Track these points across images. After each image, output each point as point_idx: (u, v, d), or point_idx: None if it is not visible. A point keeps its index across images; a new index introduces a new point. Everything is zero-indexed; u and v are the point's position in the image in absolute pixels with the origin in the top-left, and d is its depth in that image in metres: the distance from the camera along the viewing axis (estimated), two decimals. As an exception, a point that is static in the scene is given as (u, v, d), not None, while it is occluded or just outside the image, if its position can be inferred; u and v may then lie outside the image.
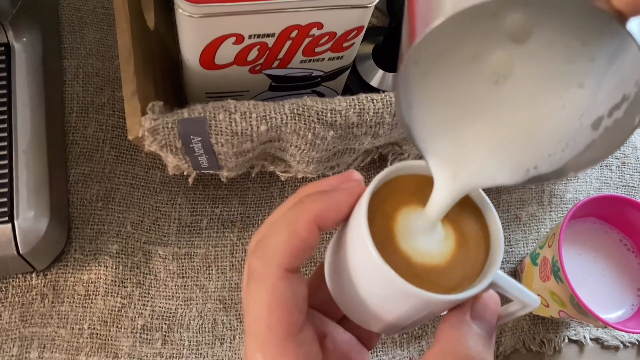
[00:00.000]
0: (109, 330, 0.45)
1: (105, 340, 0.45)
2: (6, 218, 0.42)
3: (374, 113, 0.40)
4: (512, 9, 0.18)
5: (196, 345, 0.46)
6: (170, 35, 0.51)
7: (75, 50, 0.52)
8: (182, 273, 0.48)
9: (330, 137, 0.40)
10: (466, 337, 0.23)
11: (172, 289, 0.47)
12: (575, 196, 0.56)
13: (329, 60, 0.43)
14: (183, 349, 0.46)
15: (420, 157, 0.23)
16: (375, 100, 0.40)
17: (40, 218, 0.43)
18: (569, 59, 0.19)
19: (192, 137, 0.37)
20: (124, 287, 0.46)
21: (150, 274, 0.47)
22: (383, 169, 0.24)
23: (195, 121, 0.37)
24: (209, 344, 0.46)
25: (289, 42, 0.39)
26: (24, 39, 0.47)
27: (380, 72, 0.53)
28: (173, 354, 0.45)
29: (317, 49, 0.41)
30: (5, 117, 0.44)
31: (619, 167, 0.59)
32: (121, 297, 0.46)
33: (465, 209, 0.25)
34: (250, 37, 0.38)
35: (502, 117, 0.21)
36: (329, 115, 0.39)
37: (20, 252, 0.42)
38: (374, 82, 0.52)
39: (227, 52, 0.39)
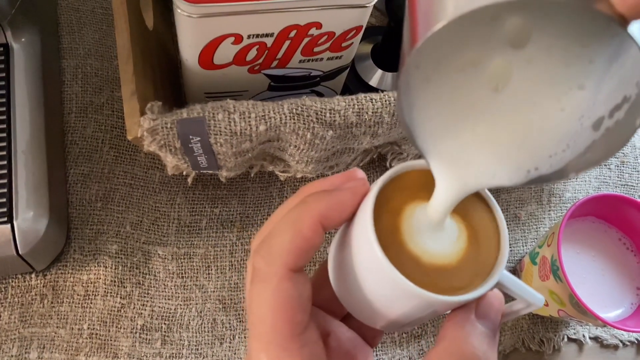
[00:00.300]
0: (109, 331, 0.45)
1: (104, 340, 0.45)
2: (5, 218, 0.42)
3: (372, 113, 0.40)
4: (512, 13, 0.18)
5: (196, 345, 0.46)
6: (169, 35, 0.51)
7: (74, 50, 0.52)
8: (182, 273, 0.48)
9: (329, 136, 0.40)
10: (471, 336, 0.23)
11: (171, 289, 0.47)
12: (574, 195, 0.56)
13: (327, 60, 0.43)
14: (183, 349, 0.46)
15: (420, 157, 0.23)
16: (374, 100, 0.40)
17: (39, 218, 0.43)
18: (568, 61, 0.19)
19: (191, 137, 0.37)
20: (124, 287, 0.46)
21: (149, 274, 0.47)
22: (382, 168, 0.24)
23: (194, 121, 0.37)
24: (208, 343, 0.46)
25: (287, 42, 0.39)
26: (23, 40, 0.47)
27: (379, 71, 0.53)
28: (173, 354, 0.45)
29: (316, 49, 0.41)
30: (5, 117, 0.44)
31: (618, 166, 0.59)
32: (121, 297, 0.46)
33: (476, 206, 0.25)
34: (249, 37, 0.38)
35: (503, 120, 0.21)
36: (328, 115, 0.39)
37: (20, 252, 0.42)
38: (373, 82, 0.52)
39: (226, 52, 0.39)
